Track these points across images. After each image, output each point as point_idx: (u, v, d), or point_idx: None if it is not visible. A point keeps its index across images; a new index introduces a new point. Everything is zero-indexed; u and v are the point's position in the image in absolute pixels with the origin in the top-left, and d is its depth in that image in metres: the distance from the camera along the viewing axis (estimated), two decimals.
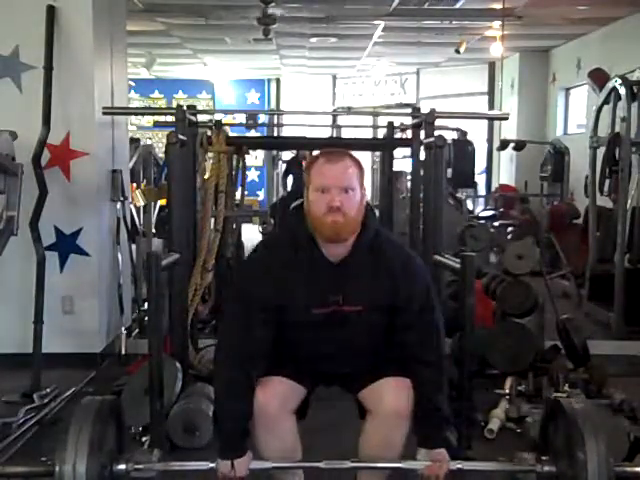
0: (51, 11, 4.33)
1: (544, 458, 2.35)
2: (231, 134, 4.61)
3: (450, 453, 2.39)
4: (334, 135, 7.57)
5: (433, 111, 3.92)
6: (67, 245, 4.56)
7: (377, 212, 3.70)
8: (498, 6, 7.52)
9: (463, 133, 8.28)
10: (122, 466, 2.32)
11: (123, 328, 4.79)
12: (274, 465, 2.36)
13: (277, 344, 2.38)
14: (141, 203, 5.68)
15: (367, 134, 7.50)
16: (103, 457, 2.23)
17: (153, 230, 5.77)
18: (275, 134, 8.05)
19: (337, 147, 2.43)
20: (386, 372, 2.39)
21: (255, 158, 12.89)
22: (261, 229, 6.68)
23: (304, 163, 7.87)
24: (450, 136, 7.71)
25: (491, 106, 11.92)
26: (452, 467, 2.35)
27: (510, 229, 7.68)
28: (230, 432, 2.30)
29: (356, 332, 2.36)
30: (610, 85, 5.86)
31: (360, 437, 2.44)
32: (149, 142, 11.17)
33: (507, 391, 3.76)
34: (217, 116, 5.25)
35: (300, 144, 6.08)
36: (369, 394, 2.42)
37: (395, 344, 2.39)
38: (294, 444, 2.42)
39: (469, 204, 9.16)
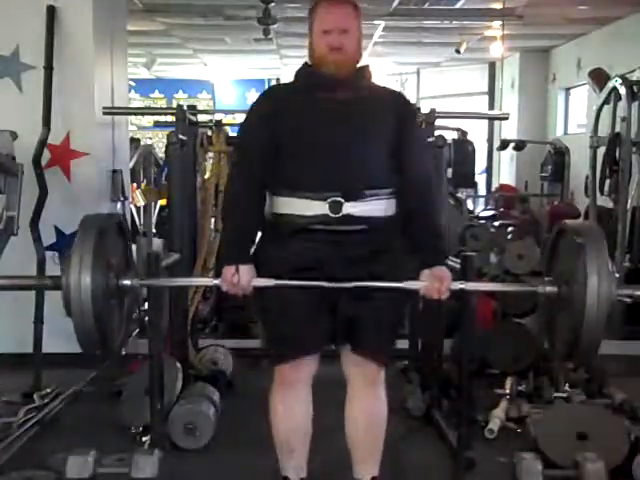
0: (51, 11, 4.33)
1: (547, 279, 2.36)
2: (231, 134, 4.60)
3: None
4: None
5: (433, 111, 3.91)
6: (67, 245, 4.55)
7: None
8: (498, 6, 7.52)
9: (463, 133, 8.27)
10: (128, 281, 2.51)
11: None
12: (276, 283, 2.35)
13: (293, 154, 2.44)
14: (141, 203, 5.68)
15: None
16: (109, 271, 2.44)
17: (153, 230, 5.77)
18: None
19: None
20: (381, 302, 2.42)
21: None
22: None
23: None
24: (450, 136, 7.69)
25: (491, 106, 11.91)
26: (454, 287, 2.37)
27: (510, 229, 7.66)
28: (236, 240, 2.46)
29: (364, 117, 2.45)
30: (610, 85, 5.86)
31: (345, 414, 2.55)
32: (149, 142, 11.18)
33: (507, 391, 3.76)
34: (217, 116, 5.25)
35: None
36: (345, 361, 2.51)
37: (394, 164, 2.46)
38: (307, 416, 2.57)
39: (469, 204, 9.15)
